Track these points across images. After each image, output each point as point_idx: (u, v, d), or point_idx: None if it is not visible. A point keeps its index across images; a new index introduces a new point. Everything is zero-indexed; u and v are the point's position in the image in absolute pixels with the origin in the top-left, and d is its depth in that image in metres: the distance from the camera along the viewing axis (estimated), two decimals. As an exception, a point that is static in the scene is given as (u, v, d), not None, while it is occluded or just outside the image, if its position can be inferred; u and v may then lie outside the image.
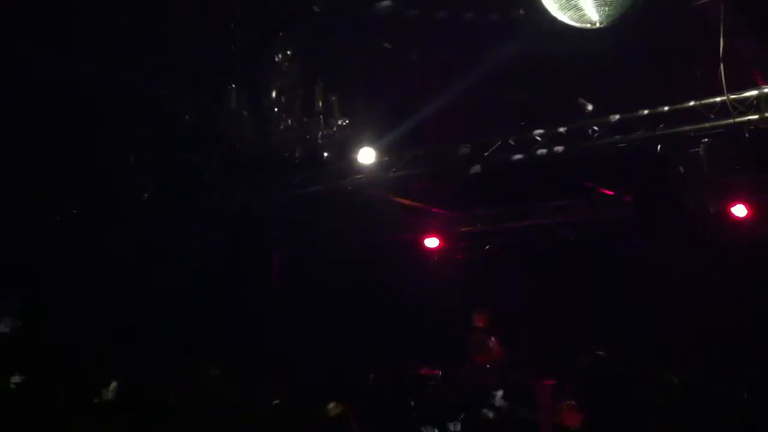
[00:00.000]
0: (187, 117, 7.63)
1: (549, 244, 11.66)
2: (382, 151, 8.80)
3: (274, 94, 5.86)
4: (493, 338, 9.98)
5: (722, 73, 6.59)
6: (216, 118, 5.97)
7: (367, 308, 11.98)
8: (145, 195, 9.72)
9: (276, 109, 5.82)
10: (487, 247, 12.43)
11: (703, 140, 7.90)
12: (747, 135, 7.26)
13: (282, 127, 5.80)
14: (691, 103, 7.30)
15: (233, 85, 5.88)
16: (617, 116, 7.76)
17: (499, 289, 11.38)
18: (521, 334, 10.78)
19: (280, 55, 5.97)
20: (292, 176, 9.47)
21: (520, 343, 10.63)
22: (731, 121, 7.12)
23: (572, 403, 9.22)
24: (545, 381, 9.57)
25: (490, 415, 9.10)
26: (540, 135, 8.17)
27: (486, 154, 8.52)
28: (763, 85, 7.03)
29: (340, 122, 6.25)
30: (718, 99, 7.11)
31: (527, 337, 10.73)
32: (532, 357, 10.18)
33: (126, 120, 8.14)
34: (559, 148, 8.08)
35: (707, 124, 7.30)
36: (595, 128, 7.88)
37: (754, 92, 7.03)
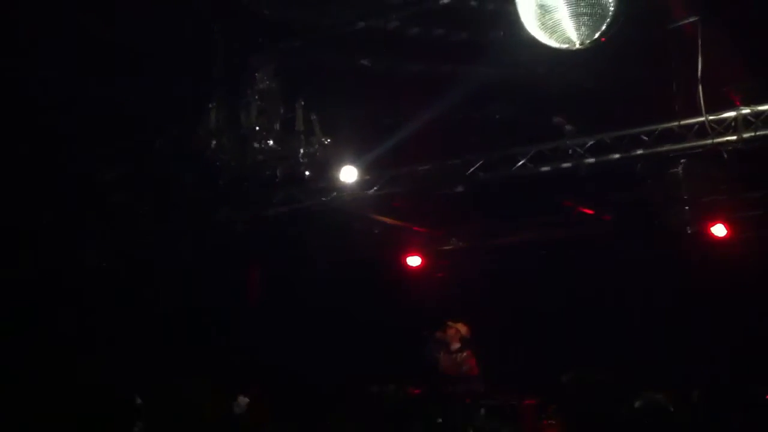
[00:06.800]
0: (167, 134, 7.64)
1: (530, 262, 11.69)
2: (364, 170, 8.80)
3: (254, 113, 5.86)
4: (467, 352, 9.99)
5: (700, 94, 6.65)
6: (196, 136, 5.97)
7: (348, 327, 11.95)
8: (125, 211, 9.70)
9: (257, 128, 5.81)
10: (468, 265, 12.45)
11: (681, 161, 7.97)
12: (725, 156, 7.32)
13: (262, 146, 5.80)
14: (670, 124, 7.35)
15: (213, 104, 5.88)
16: (597, 136, 7.81)
17: (481, 307, 11.39)
18: (504, 352, 10.79)
19: (260, 74, 5.98)
20: (273, 194, 9.44)
21: (503, 361, 10.63)
22: (709, 141, 7.18)
23: (552, 422, 9.27)
24: (527, 400, 9.58)
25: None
26: (520, 154, 8.20)
27: (468, 173, 8.53)
28: (741, 106, 7.09)
29: (321, 140, 6.26)
30: (696, 120, 7.15)
31: (510, 356, 10.74)
32: (515, 376, 10.18)
33: (107, 135, 8.11)
34: (539, 168, 8.11)
35: (686, 145, 7.35)
36: (577, 148, 7.91)
37: (731, 113, 7.09)
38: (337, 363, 11.30)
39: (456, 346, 10.00)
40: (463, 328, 10.08)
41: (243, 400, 9.66)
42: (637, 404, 8.67)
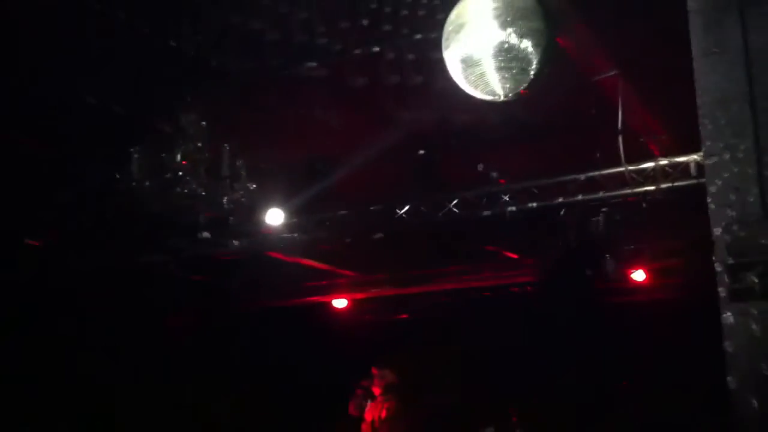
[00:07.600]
0: (92, 176, 7.48)
1: (455, 307, 11.76)
2: (291, 213, 8.76)
3: (179, 157, 5.79)
4: (390, 396, 9.96)
5: (621, 145, 6.82)
6: (119, 180, 5.86)
7: (275, 373, 11.81)
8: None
9: (180, 173, 5.74)
10: (395, 311, 12.48)
11: (602, 209, 8.15)
12: (644, 205, 7.49)
13: (186, 191, 5.73)
14: (592, 174, 7.50)
15: (136, 148, 5.80)
16: (522, 184, 7.92)
17: (408, 351, 11.38)
18: (426, 398, 10.76)
19: (186, 117, 5.92)
20: (197, 238, 9.31)
21: (427, 404, 10.61)
22: (629, 191, 7.34)
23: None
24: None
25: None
26: (446, 200, 8.27)
27: (396, 217, 8.56)
28: (660, 157, 7.29)
29: (247, 186, 6.21)
30: (617, 170, 7.32)
31: (431, 402, 10.73)
32: (438, 423, 10.17)
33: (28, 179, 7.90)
34: (464, 213, 8.18)
35: (607, 194, 7.50)
36: (502, 196, 8.01)
37: (650, 164, 7.28)
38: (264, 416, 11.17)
39: (379, 393, 9.97)
40: (389, 375, 10.05)
41: None
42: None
